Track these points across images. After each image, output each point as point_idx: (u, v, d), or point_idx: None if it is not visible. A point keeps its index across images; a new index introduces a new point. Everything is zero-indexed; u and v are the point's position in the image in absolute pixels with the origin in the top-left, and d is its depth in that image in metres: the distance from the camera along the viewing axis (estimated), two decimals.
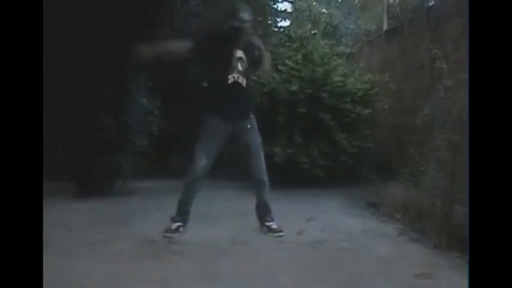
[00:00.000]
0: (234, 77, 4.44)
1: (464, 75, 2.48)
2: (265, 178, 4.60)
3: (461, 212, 3.72)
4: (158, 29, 6.93)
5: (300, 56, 7.59)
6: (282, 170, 7.03)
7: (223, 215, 5.18)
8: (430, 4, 11.39)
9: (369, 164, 7.66)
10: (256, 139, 4.56)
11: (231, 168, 7.72)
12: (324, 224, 4.92)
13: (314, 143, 7.14)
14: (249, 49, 4.53)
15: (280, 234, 4.41)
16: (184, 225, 4.45)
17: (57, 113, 6.10)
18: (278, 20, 10.23)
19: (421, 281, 3.24)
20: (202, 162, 4.38)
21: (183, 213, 4.49)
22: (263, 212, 4.58)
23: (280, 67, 7.51)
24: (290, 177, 6.95)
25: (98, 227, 4.68)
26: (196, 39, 4.77)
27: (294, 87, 7.23)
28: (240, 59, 4.47)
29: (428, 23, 7.35)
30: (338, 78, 7.44)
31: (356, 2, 16.84)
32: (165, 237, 4.28)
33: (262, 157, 4.62)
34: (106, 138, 6.45)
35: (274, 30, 9.61)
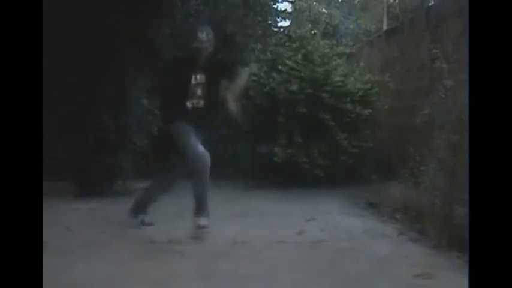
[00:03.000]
0: (192, 103, 4.47)
1: (464, 75, 2.48)
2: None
3: (461, 212, 3.72)
4: (158, 29, 6.93)
5: (300, 56, 7.60)
6: (282, 170, 7.04)
7: (223, 215, 5.18)
8: (430, 4, 11.42)
9: (369, 164, 7.67)
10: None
11: (231, 169, 7.73)
12: (324, 224, 4.92)
13: (314, 143, 7.15)
14: (216, 70, 4.53)
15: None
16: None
17: (57, 113, 6.10)
18: (278, 20, 10.22)
19: (421, 281, 3.24)
20: (200, 149, 4.34)
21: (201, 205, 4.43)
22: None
23: (280, 67, 7.52)
24: (290, 177, 6.95)
25: (98, 227, 4.68)
26: (160, 70, 4.82)
27: (294, 87, 7.23)
28: (199, 84, 4.47)
29: (428, 23, 7.35)
30: (338, 78, 7.44)
31: (356, 2, 16.86)
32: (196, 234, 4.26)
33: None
34: (106, 138, 6.45)
35: (274, 30, 9.60)
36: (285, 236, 4.38)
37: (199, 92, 4.49)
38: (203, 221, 4.37)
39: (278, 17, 10.17)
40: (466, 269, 2.33)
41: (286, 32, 9.42)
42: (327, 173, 7.05)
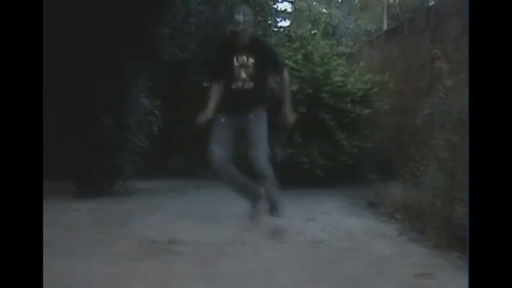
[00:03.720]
0: (237, 85, 4.43)
1: (464, 75, 2.48)
2: (265, 171, 4.48)
3: (461, 212, 3.71)
4: (158, 29, 6.93)
5: (300, 56, 7.60)
6: (282, 170, 7.02)
7: (223, 215, 5.18)
8: (430, 4, 11.43)
9: (369, 164, 7.67)
10: (257, 130, 4.49)
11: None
12: (324, 224, 4.92)
13: (314, 143, 7.14)
14: (263, 52, 4.51)
15: (279, 235, 4.35)
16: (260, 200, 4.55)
17: (57, 113, 6.11)
18: (278, 20, 10.23)
19: (421, 281, 3.23)
20: (215, 150, 4.37)
21: (252, 195, 4.54)
22: (271, 209, 4.56)
23: None
24: (290, 177, 6.94)
25: (98, 227, 4.68)
26: (212, 58, 4.85)
27: (294, 87, 7.21)
28: (242, 65, 4.42)
29: (428, 23, 7.36)
30: (338, 78, 7.44)
31: (356, 2, 16.87)
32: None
33: (263, 149, 4.50)
34: (106, 138, 6.45)
35: (274, 30, 9.60)
36: (285, 236, 4.38)
37: (243, 74, 4.41)
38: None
39: (278, 17, 10.18)
40: (466, 269, 2.33)
41: (286, 32, 9.42)
42: (327, 173, 7.05)
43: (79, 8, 6.05)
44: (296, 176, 6.97)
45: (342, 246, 4.15)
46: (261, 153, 4.48)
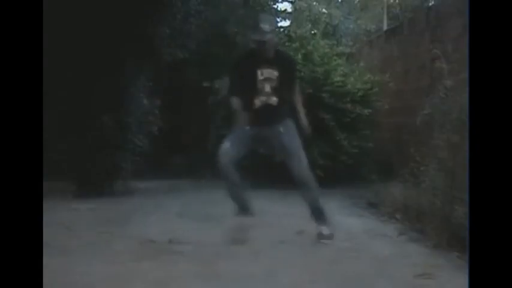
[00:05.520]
0: (261, 101, 4.18)
1: (464, 75, 2.48)
2: (308, 179, 4.37)
3: (461, 212, 3.72)
4: (158, 29, 6.93)
5: (300, 56, 7.59)
6: (282, 170, 7.03)
7: (223, 215, 5.18)
8: (430, 4, 11.42)
9: (369, 164, 7.66)
10: (293, 140, 4.29)
11: None
12: None
13: (314, 143, 7.14)
14: (288, 65, 4.31)
15: (328, 241, 4.22)
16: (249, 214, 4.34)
17: (57, 113, 6.11)
18: (278, 20, 10.23)
19: (421, 281, 3.24)
20: (225, 145, 4.16)
21: (241, 205, 4.34)
22: (314, 216, 4.38)
23: None
24: (290, 177, 6.94)
25: (98, 227, 4.68)
26: (229, 70, 4.54)
27: None
28: (266, 79, 4.15)
29: (428, 23, 7.36)
30: (338, 78, 7.44)
31: (356, 2, 16.87)
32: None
33: (302, 158, 4.34)
34: (106, 138, 6.46)
35: None
36: (285, 236, 4.38)
37: (267, 88, 4.15)
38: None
39: (278, 17, 10.18)
40: (466, 269, 2.33)
41: (286, 32, 9.42)
42: (327, 173, 7.04)
43: (79, 8, 6.05)
44: None
45: (342, 246, 4.15)
46: (301, 162, 4.33)
